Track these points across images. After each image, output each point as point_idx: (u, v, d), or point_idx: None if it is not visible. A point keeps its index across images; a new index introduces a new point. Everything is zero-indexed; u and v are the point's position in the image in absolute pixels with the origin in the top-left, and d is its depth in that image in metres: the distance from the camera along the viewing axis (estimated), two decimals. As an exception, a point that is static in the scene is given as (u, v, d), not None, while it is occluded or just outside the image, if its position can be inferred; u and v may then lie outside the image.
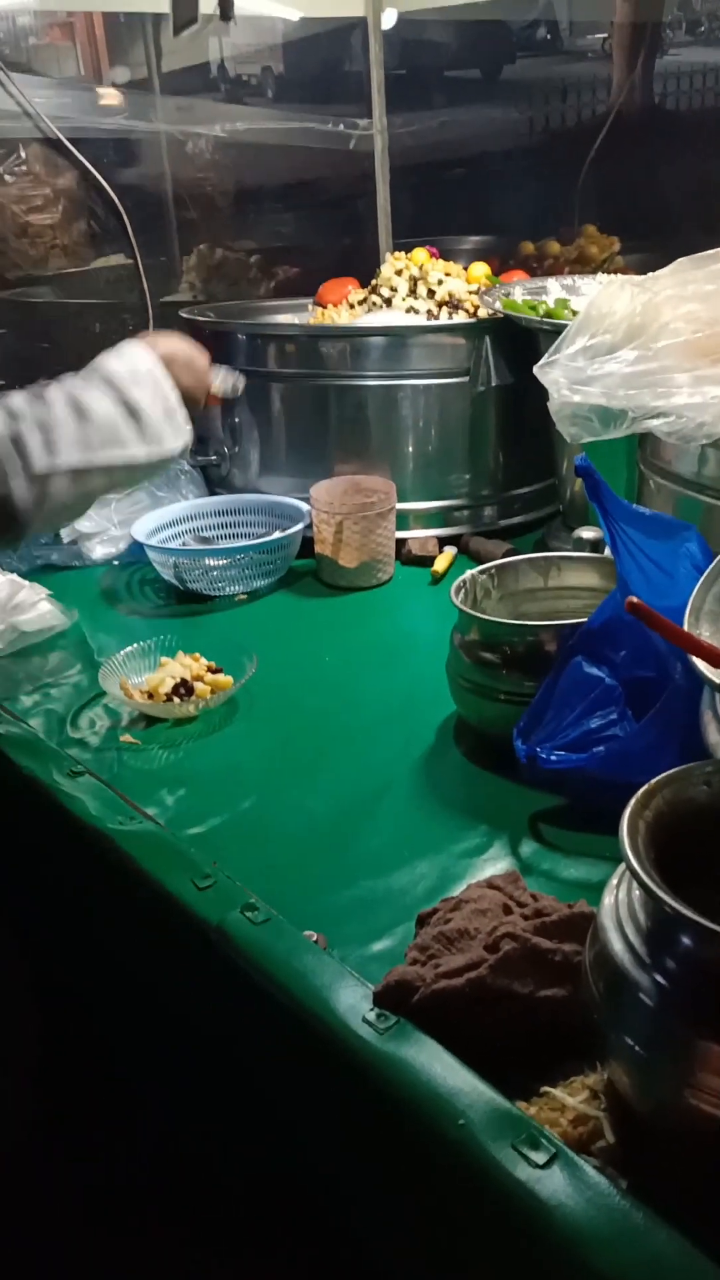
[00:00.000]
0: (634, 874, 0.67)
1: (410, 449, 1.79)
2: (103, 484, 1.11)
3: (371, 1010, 0.80)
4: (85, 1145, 1.39)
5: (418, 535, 1.79)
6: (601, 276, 1.78)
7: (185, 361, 1.20)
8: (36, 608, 1.53)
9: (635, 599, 0.78)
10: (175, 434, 1.15)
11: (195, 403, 1.21)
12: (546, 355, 1.21)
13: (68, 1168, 1.40)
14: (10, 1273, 1.28)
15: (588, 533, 1.34)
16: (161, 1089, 1.19)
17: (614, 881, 0.75)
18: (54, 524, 1.21)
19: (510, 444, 1.82)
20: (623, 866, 0.74)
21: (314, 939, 0.91)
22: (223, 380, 1.31)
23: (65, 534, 1.81)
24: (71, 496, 1.08)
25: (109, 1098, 1.32)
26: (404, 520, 1.77)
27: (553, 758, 1.03)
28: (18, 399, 1.07)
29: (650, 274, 1.25)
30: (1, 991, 1.42)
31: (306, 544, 1.73)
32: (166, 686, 1.34)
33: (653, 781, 0.74)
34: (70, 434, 1.06)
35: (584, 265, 2.25)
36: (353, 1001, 0.82)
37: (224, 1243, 1.11)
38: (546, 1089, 0.76)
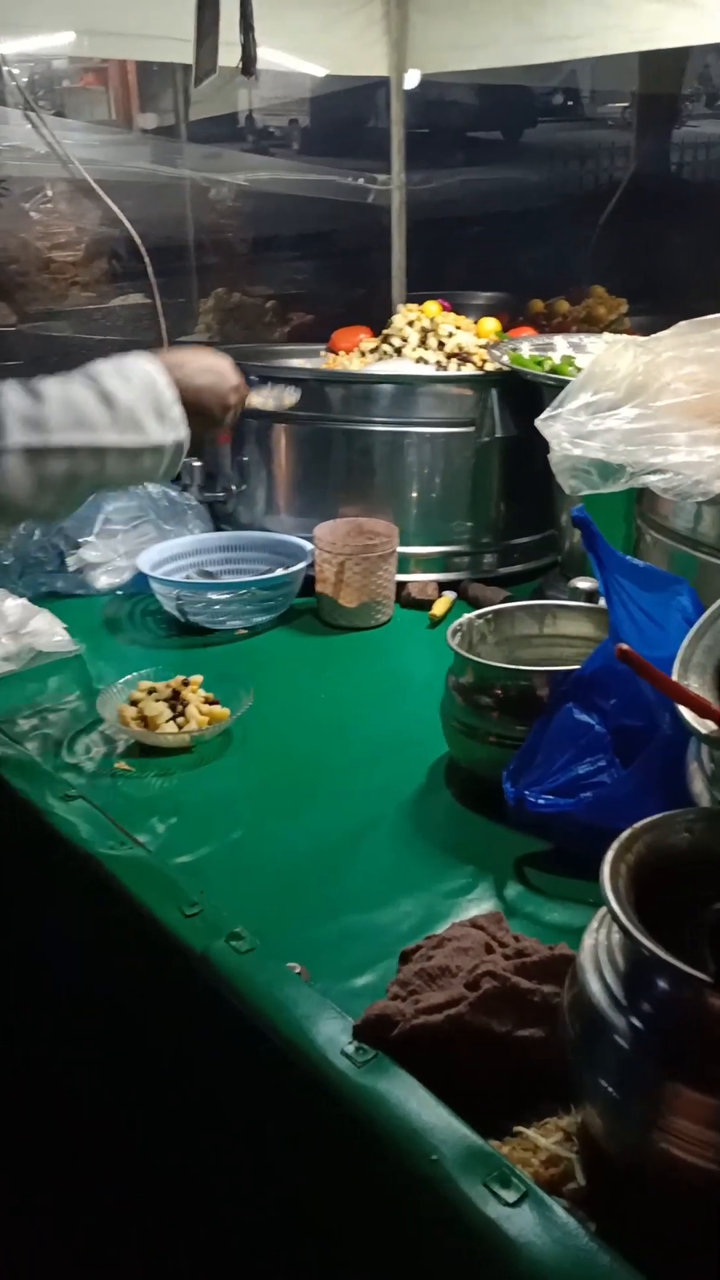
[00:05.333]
0: (613, 916, 0.68)
1: (414, 495, 1.82)
2: (64, 469, 1.03)
3: (351, 1043, 0.81)
4: (45, 1169, 1.39)
5: (418, 579, 1.82)
6: (607, 336, 1.82)
7: (202, 367, 1.17)
8: (53, 633, 1.57)
9: (625, 646, 0.80)
10: (163, 426, 1.09)
11: (213, 410, 1.18)
12: (549, 409, 1.24)
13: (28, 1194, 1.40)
14: None
15: (583, 583, 1.37)
16: (129, 1112, 1.18)
17: (594, 924, 0.76)
18: (15, 510, 1.07)
19: (512, 494, 1.85)
20: (603, 910, 0.75)
21: (297, 970, 0.92)
22: (268, 395, 1.26)
23: (71, 563, 1.83)
24: (28, 478, 1.01)
25: (70, 1118, 1.31)
26: (405, 564, 1.79)
27: (540, 801, 1.05)
28: None
29: (653, 335, 1.29)
30: None
31: (308, 583, 1.76)
32: (165, 715, 1.35)
33: (635, 826, 0.76)
34: (21, 413, 1.01)
35: (592, 325, 2.30)
36: (332, 1034, 0.82)
37: (193, 1265, 1.10)
38: (520, 1129, 0.77)
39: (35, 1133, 1.42)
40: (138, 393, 1.08)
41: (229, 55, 2.30)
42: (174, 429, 1.11)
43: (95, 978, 1.19)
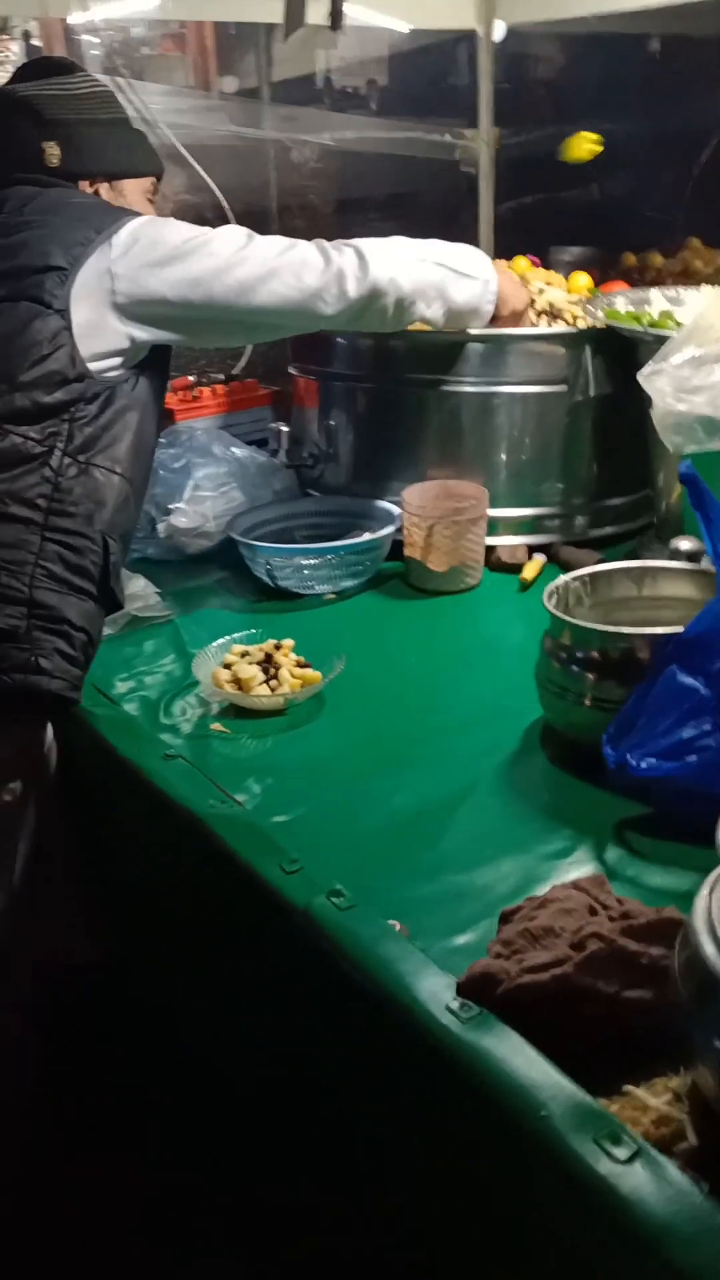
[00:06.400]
0: (730, 877, 0.67)
1: (504, 456, 1.79)
2: (423, 273, 1.54)
3: (455, 1000, 0.81)
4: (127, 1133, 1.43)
5: (507, 542, 1.79)
6: (707, 288, 1.76)
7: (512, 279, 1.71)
8: (148, 598, 1.60)
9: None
10: (480, 266, 1.62)
11: (519, 294, 1.69)
12: (652, 363, 1.21)
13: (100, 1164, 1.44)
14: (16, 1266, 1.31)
15: (685, 543, 1.33)
16: (229, 1066, 1.21)
17: (707, 888, 0.75)
18: (405, 304, 1.54)
19: (605, 455, 1.81)
20: (717, 871, 0.74)
21: (398, 928, 0.92)
22: None
23: (162, 529, 1.85)
24: (409, 273, 1.51)
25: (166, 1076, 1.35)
26: (494, 527, 1.77)
27: (643, 765, 1.03)
28: None
29: (761, 285, 1.24)
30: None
31: (396, 547, 1.75)
32: (258, 678, 1.37)
33: (752, 787, 0.74)
34: (385, 242, 1.52)
35: (688, 279, 2.23)
36: (436, 990, 0.83)
37: (283, 1228, 1.12)
38: (629, 1088, 0.76)
39: (127, 1088, 1.46)
40: (465, 250, 1.63)
41: (315, 12, 2.27)
42: (489, 274, 1.63)
43: (192, 932, 1.22)
